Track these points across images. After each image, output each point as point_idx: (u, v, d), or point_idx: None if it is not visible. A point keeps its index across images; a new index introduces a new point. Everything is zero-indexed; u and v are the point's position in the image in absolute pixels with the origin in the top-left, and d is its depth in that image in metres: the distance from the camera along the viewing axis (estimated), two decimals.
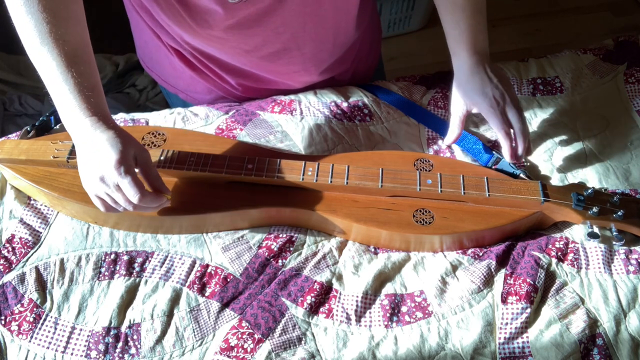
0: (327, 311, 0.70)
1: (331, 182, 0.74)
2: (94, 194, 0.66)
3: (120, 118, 0.92)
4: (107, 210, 0.68)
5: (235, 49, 0.83)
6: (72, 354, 0.68)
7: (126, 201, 0.65)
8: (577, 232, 0.75)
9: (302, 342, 0.68)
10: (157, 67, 0.98)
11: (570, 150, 0.85)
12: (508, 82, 0.79)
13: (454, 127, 0.83)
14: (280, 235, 0.77)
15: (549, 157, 0.84)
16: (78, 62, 0.64)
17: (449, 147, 0.86)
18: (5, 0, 0.64)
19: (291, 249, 0.76)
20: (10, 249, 0.77)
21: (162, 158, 0.76)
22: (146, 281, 0.74)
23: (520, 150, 0.78)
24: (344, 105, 0.91)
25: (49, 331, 0.70)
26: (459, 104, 0.81)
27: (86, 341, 0.69)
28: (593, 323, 0.67)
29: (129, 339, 0.69)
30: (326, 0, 0.79)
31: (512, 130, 0.78)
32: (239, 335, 0.69)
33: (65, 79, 0.63)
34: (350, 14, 0.86)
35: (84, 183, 0.67)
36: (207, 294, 0.72)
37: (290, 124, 0.88)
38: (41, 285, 0.74)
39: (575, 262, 0.72)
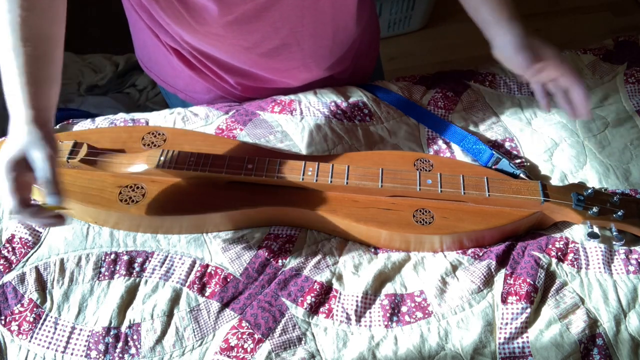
0: (327, 311, 0.70)
1: (331, 182, 0.74)
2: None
3: (120, 118, 0.92)
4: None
5: (234, 46, 0.83)
6: (72, 354, 0.68)
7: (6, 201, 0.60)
8: (577, 232, 0.75)
9: (302, 342, 0.68)
10: (156, 67, 0.98)
11: (570, 150, 0.85)
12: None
13: (538, 91, 0.78)
14: (280, 235, 0.77)
15: (549, 157, 0.84)
16: (31, 53, 0.62)
17: (449, 147, 0.86)
18: None
19: (291, 249, 0.76)
20: (10, 249, 0.77)
21: (162, 158, 0.76)
22: (146, 281, 0.74)
23: (582, 101, 0.74)
24: (344, 105, 0.91)
25: (49, 331, 0.70)
26: (526, 64, 0.75)
27: (86, 341, 0.69)
28: (593, 323, 0.67)
29: (129, 339, 0.69)
30: None
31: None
32: (239, 335, 0.69)
33: (14, 60, 0.61)
34: (349, 9, 0.86)
35: None
36: (207, 294, 0.72)
37: (290, 124, 0.88)
38: (41, 285, 0.74)
39: (575, 262, 0.72)
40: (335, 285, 0.73)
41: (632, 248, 0.73)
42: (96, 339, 0.69)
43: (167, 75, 0.98)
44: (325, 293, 0.72)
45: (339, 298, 0.71)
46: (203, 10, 0.74)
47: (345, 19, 0.87)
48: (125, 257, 0.76)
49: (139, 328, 0.70)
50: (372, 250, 0.76)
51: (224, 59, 0.87)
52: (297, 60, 0.88)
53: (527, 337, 0.67)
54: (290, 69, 0.89)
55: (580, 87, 0.73)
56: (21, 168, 0.60)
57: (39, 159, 0.60)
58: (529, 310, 0.68)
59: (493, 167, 0.81)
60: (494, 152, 0.82)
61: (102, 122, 0.91)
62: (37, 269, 0.75)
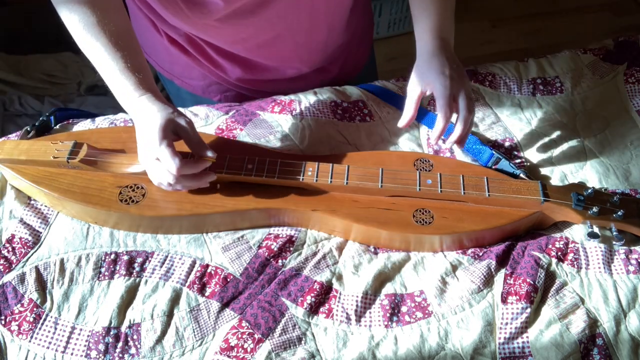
0: (327, 311, 0.70)
1: (331, 182, 0.74)
2: (146, 167, 0.71)
3: (120, 118, 0.92)
4: (159, 184, 0.71)
5: (230, 37, 0.87)
6: (72, 354, 0.68)
7: (167, 172, 0.68)
8: (577, 232, 0.75)
9: (302, 342, 0.68)
10: (154, 53, 1.00)
11: (570, 150, 0.85)
12: (465, 74, 0.77)
13: (409, 108, 0.80)
14: (280, 235, 0.77)
15: (549, 157, 0.84)
16: (123, 46, 0.69)
17: (449, 146, 0.86)
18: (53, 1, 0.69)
19: (291, 249, 0.76)
20: (10, 249, 0.77)
21: None
22: (146, 281, 0.74)
23: (454, 137, 0.76)
24: (344, 105, 0.91)
25: (49, 331, 0.70)
26: (414, 85, 0.79)
27: (86, 341, 0.69)
28: (593, 323, 0.67)
29: (129, 339, 0.69)
30: None
31: (455, 117, 0.76)
32: (239, 335, 0.69)
33: (113, 60, 0.69)
34: (343, 5, 0.88)
35: (140, 158, 0.71)
36: (207, 294, 0.72)
37: (290, 124, 0.88)
38: (41, 285, 0.74)
39: (575, 262, 0.72)
40: (335, 285, 0.73)
41: (632, 248, 0.73)
42: (96, 339, 0.69)
43: (164, 62, 1.00)
44: (325, 293, 0.72)
45: (339, 298, 0.71)
46: (203, 5, 0.76)
47: (339, 14, 0.89)
48: (125, 257, 0.76)
49: (139, 328, 0.70)
50: (372, 250, 0.76)
51: (219, 46, 0.90)
52: (290, 51, 0.91)
53: (527, 337, 0.67)
54: (283, 57, 0.93)
55: (463, 128, 0.75)
56: (171, 135, 0.68)
57: (187, 125, 0.69)
58: (529, 310, 0.68)
59: (493, 167, 0.81)
60: (494, 152, 0.82)
61: (102, 122, 0.91)
62: (37, 269, 0.75)
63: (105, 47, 0.68)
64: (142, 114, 0.69)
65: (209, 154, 0.70)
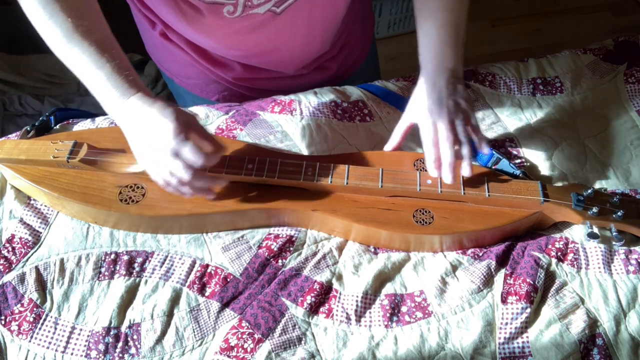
0: (327, 311, 0.70)
1: (331, 182, 0.74)
2: (153, 170, 0.68)
3: None
4: (165, 185, 0.69)
5: (227, 49, 0.88)
6: (72, 354, 0.68)
7: (185, 169, 0.65)
8: (577, 232, 0.75)
9: (302, 342, 0.68)
10: (154, 51, 1.01)
11: (570, 150, 0.85)
12: (469, 100, 0.74)
13: (395, 137, 0.79)
14: (280, 235, 0.77)
15: (549, 157, 0.84)
16: (108, 48, 0.66)
17: None
18: (25, 9, 0.65)
19: (291, 249, 0.76)
20: (10, 249, 0.77)
21: None
22: (146, 281, 0.74)
23: (444, 170, 0.71)
24: (344, 105, 0.91)
25: (49, 331, 0.70)
26: (406, 117, 0.78)
27: (86, 341, 0.69)
28: (593, 323, 0.67)
29: (129, 339, 0.69)
30: (316, 12, 0.83)
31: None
32: (239, 335, 0.69)
33: (99, 66, 0.65)
34: (339, 15, 0.89)
35: (141, 160, 0.68)
36: (207, 294, 0.72)
37: (290, 124, 0.88)
38: (41, 285, 0.74)
39: (575, 262, 0.72)
40: (335, 285, 0.73)
41: (632, 248, 0.73)
42: (96, 339, 0.69)
43: (163, 60, 1.01)
44: (325, 293, 0.72)
45: (339, 298, 0.71)
46: (203, 24, 0.78)
47: (334, 23, 0.91)
48: (125, 257, 0.76)
49: (139, 328, 0.70)
50: (372, 250, 0.76)
51: (216, 52, 0.91)
52: (286, 60, 0.93)
53: (527, 337, 0.67)
54: (279, 64, 0.94)
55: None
56: (187, 130, 0.65)
57: (196, 121, 0.68)
58: (528, 310, 0.68)
59: (493, 167, 0.81)
60: (494, 152, 0.82)
61: (102, 122, 0.91)
62: (37, 269, 0.75)
63: (89, 53, 0.64)
64: (144, 114, 0.65)
65: (223, 147, 0.68)
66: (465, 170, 0.72)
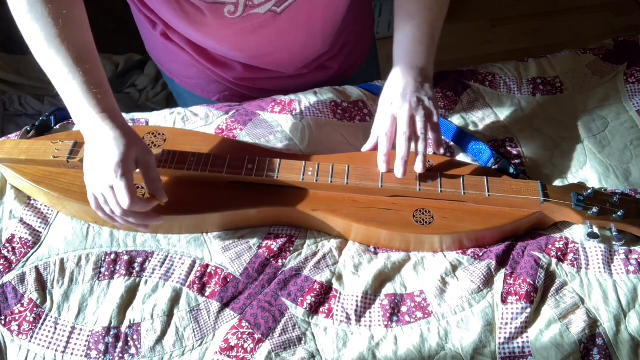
0: (327, 311, 0.70)
1: (331, 182, 0.74)
2: (90, 190, 0.68)
3: None
4: (96, 209, 0.69)
5: (227, 50, 0.88)
6: (72, 354, 0.68)
7: (116, 204, 0.65)
8: (577, 232, 0.75)
9: (302, 342, 0.68)
10: (154, 51, 1.01)
11: (570, 150, 0.85)
12: (434, 100, 0.74)
13: (372, 139, 0.78)
14: (280, 235, 0.77)
15: (549, 157, 0.84)
16: (84, 61, 0.66)
17: (449, 147, 0.86)
18: (12, 8, 0.66)
19: (291, 249, 0.76)
20: (10, 249, 0.77)
21: (162, 158, 0.76)
22: (146, 281, 0.74)
23: (396, 168, 0.72)
24: (344, 105, 0.91)
25: (49, 331, 0.70)
26: (377, 114, 0.78)
27: (86, 341, 0.69)
28: (593, 323, 0.67)
29: (129, 339, 0.69)
30: (317, 12, 0.83)
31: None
32: (239, 335, 0.69)
33: (73, 77, 0.65)
34: (339, 14, 0.89)
35: (85, 177, 0.68)
36: (207, 294, 0.72)
37: (290, 124, 0.88)
38: (41, 285, 0.74)
39: (575, 262, 0.72)
40: (335, 285, 0.73)
41: (632, 248, 0.73)
42: (96, 339, 0.69)
43: (164, 60, 1.01)
44: (325, 293, 0.72)
45: (339, 298, 0.71)
46: (203, 25, 0.78)
47: (334, 24, 0.91)
48: (125, 257, 0.76)
49: (139, 328, 0.70)
50: (372, 250, 0.76)
51: (218, 53, 0.91)
52: (286, 61, 0.93)
53: (527, 337, 0.67)
54: (279, 64, 0.94)
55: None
56: (131, 167, 0.65)
57: (150, 160, 0.67)
58: (529, 310, 0.68)
59: (493, 167, 0.81)
60: (493, 152, 0.82)
61: None
62: (37, 269, 0.75)
63: (65, 61, 0.65)
64: (101, 134, 0.65)
65: (163, 198, 0.68)
66: (418, 167, 0.73)
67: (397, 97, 0.73)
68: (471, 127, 0.89)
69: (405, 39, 0.75)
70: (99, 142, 0.65)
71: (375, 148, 0.77)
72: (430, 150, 0.76)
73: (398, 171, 0.72)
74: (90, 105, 0.66)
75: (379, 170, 0.75)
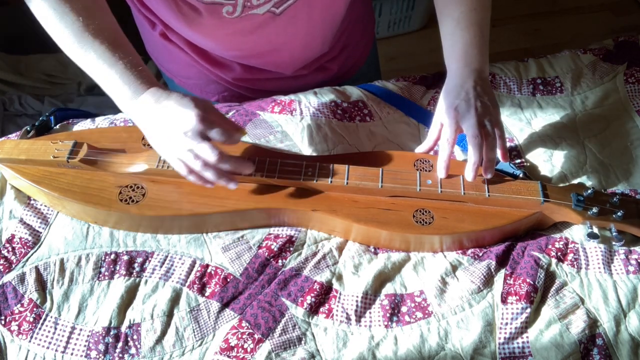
0: (327, 311, 0.70)
1: (331, 182, 0.74)
2: (177, 156, 0.67)
3: (120, 118, 0.92)
4: (188, 175, 0.69)
5: (226, 49, 0.88)
6: (72, 354, 0.68)
7: (210, 152, 0.65)
8: (577, 233, 0.75)
9: (302, 342, 0.68)
10: (154, 51, 1.01)
11: (570, 150, 0.85)
12: (495, 103, 0.75)
13: (429, 140, 0.79)
14: (280, 235, 0.77)
15: (549, 157, 0.84)
16: (119, 45, 0.66)
17: None
18: (33, 9, 0.66)
19: (291, 249, 0.76)
20: (10, 249, 0.77)
21: (162, 158, 0.76)
22: (146, 281, 0.74)
23: (468, 174, 0.73)
24: (344, 105, 0.91)
25: (49, 331, 0.70)
26: (436, 116, 0.78)
27: (86, 341, 0.69)
28: (593, 323, 0.67)
29: (129, 339, 0.69)
30: (316, 13, 0.83)
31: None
32: (239, 335, 0.69)
33: (111, 64, 0.65)
34: (338, 15, 0.89)
35: (162, 152, 0.68)
36: (207, 294, 0.72)
37: (290, 124, 0.88)
38: (41, 285, 0.74)
39: (575, 262, 0.72)
40: (335, 285, 0.73)
41: (632, 248, 0.73)
42: (96, 339, 0.69)
43: (163, 60, 1.01)
44: (325, 293, 0.72)
45: (339, 298, 0.71)
46: (201, 24, 0.78)
47: (334, 24, 0.91)
48: (125, 257, 0.76)
49: (139, 328, 0.70)
50: (372, 250, 0.76)
51: (217, 53, 0.91)
52: (286, 61, 0.93)
53: (527, 337, 0.67)
54: (279, 65, 0.94)
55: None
56: (209, 124, 0.65)
57: (210, 104, 0.67)
58: (528, 310, 0.68)
59: None
60: None
61: (102, 122, 0.91)
62: (37, 269, 0.75)
63: (100, 51, 0.65)
64: (160, 104, 0.65)
65: (241, 128, 0.69)
66: (488, 172, 0.73)
67: (461, 103, 0.73)
68: None
69: (457, 44, 0.76)
70: (161, 114, 0.65)
71: (428, 151, 0.79)
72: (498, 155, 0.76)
73: (469, 176, 0.73)
74: (139, 86, 0.66)
75: (379, 170, 0.75)
